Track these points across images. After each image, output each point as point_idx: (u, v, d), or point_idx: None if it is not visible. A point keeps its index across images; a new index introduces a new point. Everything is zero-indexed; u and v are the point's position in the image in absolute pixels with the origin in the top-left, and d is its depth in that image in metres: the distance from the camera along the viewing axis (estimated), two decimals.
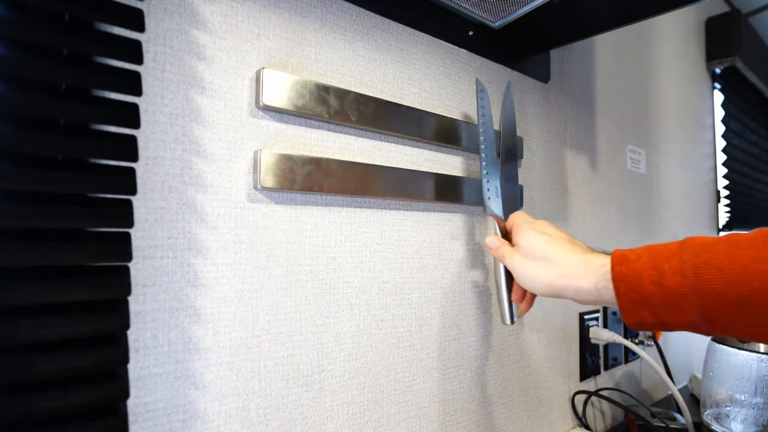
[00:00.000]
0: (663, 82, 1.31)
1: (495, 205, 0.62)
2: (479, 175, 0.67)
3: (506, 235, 0.59)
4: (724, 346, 0.82)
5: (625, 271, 0.42)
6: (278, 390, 0.48)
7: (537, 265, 0.49)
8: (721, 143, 1.65)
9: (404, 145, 0.61)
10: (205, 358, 0.43)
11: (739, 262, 0.36)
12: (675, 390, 0.89)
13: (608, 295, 0.43)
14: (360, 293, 0.56)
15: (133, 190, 0.37)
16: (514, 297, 0.57)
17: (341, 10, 0.56)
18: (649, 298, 0.40)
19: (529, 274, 0.50)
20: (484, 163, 0.64)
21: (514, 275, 0.52)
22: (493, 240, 0.57)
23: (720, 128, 1.65)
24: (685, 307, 0.38)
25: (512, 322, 0.60)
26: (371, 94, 0.57)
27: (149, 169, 0.41)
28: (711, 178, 1.61)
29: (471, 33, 0.70)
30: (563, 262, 0.47)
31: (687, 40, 1.48)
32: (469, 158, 0.70)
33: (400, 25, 0.62)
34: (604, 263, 0.44)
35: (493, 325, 0.73)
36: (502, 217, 0.62)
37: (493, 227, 0.61)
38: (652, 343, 1.01)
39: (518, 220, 0.55)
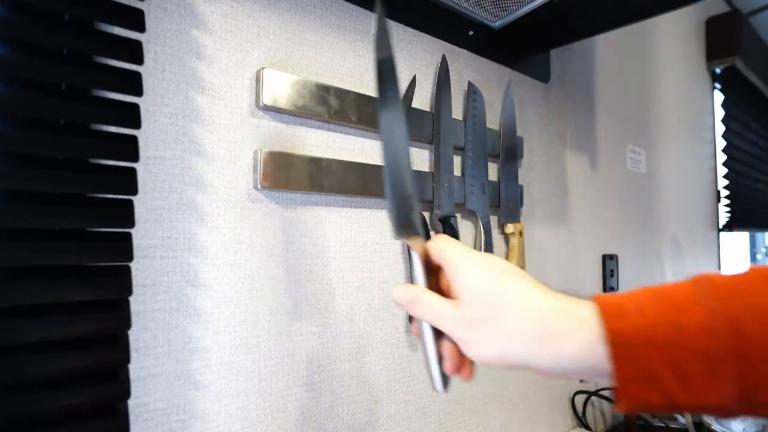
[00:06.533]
0: (663, 82, 1.31)
1: (477, 201, 0.62)
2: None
3: (430, 268, 0.35)
4: None
5: (624, 329, 0.26)
6: (278, 390, 0.48)
7: (489, 324, 0.30)
8: (721, 143, 1.65)
9: None
10: (205, 358, 0.43)
11: None
12: None
13: (600, 363, 0.27)
14: (360, 293, 0.56)
15: (134, 191, 0.37)
16: (448, 367, 0.33)
17: (341, 10, 0.56)
18: (663, 372, 0.26)
19: (476, 339, 0.31)
20: (469, 162, 0.65)
21: (455, 340, 0.32)
22: (401, 292, 0.33)
23: (720, 128, 1.65)
24: (717, 379, 0.25)
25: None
26: (371, 94, 0.57)
27: (149, 169, 0.41)
28: (711, 178, 1.61)
29: (471, 33, 0.70)
30: (529, 314, 0.29)
31: (687, 40, 1.48)
32: None
33: (400, 25, 0.62)
34: (589, 315, 0.28)
35: None
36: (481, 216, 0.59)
37: (410, 256, 0.36)
38: None
39: (450, 252, 0.33)
